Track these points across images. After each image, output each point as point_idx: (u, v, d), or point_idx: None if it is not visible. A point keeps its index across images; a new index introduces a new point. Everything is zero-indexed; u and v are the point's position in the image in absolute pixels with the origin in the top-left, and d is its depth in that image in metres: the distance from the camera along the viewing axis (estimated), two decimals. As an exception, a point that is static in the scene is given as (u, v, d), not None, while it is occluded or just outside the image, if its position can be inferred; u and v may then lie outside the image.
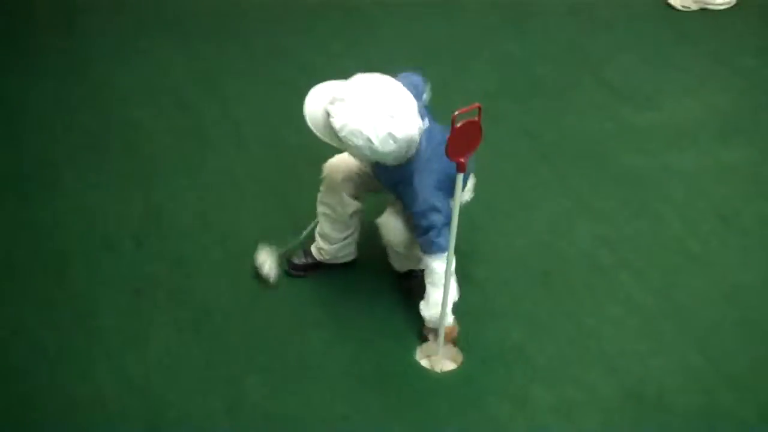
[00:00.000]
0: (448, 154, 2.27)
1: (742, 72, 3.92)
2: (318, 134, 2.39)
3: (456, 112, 2.20)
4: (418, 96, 2.48)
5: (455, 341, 2.71)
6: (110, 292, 2.90)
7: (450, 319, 2.64)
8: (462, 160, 2.28)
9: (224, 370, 2.66)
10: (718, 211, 3.28)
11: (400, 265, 2.86)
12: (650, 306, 2.90)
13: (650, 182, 3.39)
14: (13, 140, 3.48)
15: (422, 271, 2.69)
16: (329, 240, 2.86)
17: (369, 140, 2.29)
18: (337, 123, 2.31)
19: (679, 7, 4.12)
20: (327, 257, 2.90)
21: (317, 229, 2.87)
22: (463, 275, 2.68)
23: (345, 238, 2.85)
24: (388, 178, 2.57)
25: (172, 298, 2.89)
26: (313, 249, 2.93)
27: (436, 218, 2.46)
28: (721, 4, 4.12)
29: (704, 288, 2.97)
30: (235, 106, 3.82)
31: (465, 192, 2.71)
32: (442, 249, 2.50)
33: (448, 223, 2.46)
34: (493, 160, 3.17)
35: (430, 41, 4.14)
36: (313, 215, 2.88)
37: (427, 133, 2.43)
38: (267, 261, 2.91)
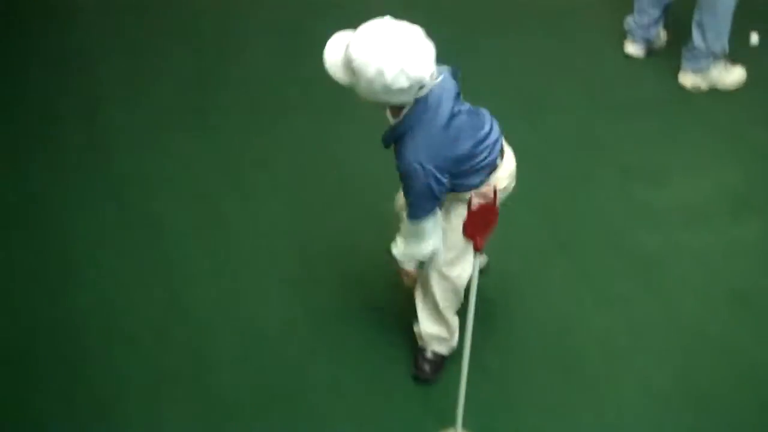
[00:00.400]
0: (465, 234, 2.29)
1: (753, 148, 3.93)
2: (333, 71, 2.36)
3: (472, 194, 2.23)
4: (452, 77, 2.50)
5: (409, 282, 2.75)
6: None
7: (408, 265, 2.65)
8: (479, 238, 2.29)
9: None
10: (734, 290, 3.26)
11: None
12: (670, 391, 2.87)
13: (665, 263, 3.38)
14: (34, 238, 3.54)
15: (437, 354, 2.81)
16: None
17: (381, 72, 2.24)
18: (351, 52, 2.29)
19: (690, 88, 4.17)
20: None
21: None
22: (476, 364, 2.65)
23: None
24: (389, 137, 2.51)
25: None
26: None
27: (415, 184, 2.42)
28: (731, 85, 4.16)
29: (723, 370, 2.95)
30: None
31: (504, 179, 2.63)
32: (415, 217, 2.48)
33: (429, 197, 2.42)
34: (507, 242, 3.17)
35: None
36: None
37: (437, 89, 2.39)
38: None
